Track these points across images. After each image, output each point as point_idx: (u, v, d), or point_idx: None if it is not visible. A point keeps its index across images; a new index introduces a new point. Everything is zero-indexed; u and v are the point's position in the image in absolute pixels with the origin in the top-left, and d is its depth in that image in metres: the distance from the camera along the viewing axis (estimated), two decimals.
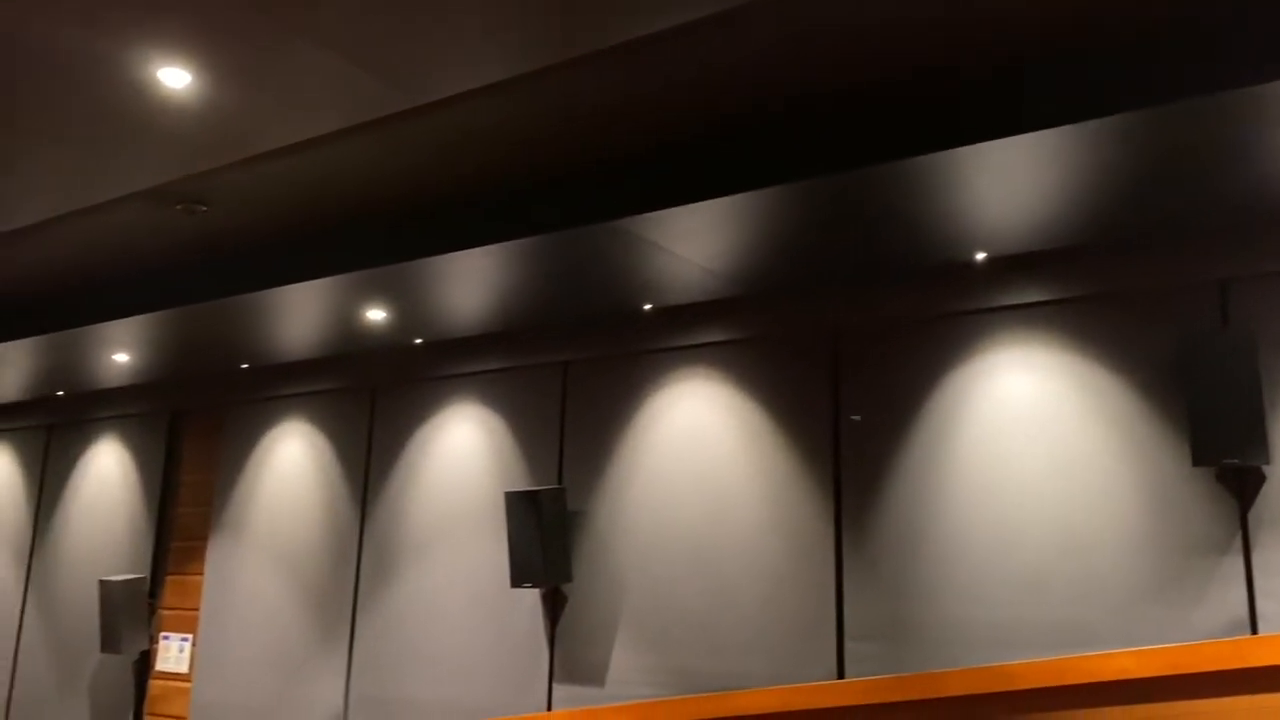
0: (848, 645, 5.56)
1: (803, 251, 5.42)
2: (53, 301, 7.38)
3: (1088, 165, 4.19)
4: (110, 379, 8.82)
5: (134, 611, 8.37)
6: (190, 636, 8.34)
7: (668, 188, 4.75)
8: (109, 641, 8.33)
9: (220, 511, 8.40)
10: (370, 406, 7.84)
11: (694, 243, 5.18)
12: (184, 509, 8.75)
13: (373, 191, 5.54)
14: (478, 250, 5.45)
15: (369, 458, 7.76)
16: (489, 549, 6.85)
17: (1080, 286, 5.24)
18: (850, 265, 5.61)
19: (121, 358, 8.05)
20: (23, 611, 9.43)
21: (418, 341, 7.39)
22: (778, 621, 5.79)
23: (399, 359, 7.57)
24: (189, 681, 8.23)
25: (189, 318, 6.89)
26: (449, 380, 7.41)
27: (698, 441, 6.29)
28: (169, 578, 8.67)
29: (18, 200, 5.41)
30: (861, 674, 5.45)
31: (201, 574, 8.41)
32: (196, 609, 8.37)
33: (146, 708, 8.45)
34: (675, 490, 6.29)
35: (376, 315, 6.74)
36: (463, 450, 7.26)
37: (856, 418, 5.76)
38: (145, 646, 8.46)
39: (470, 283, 6.13)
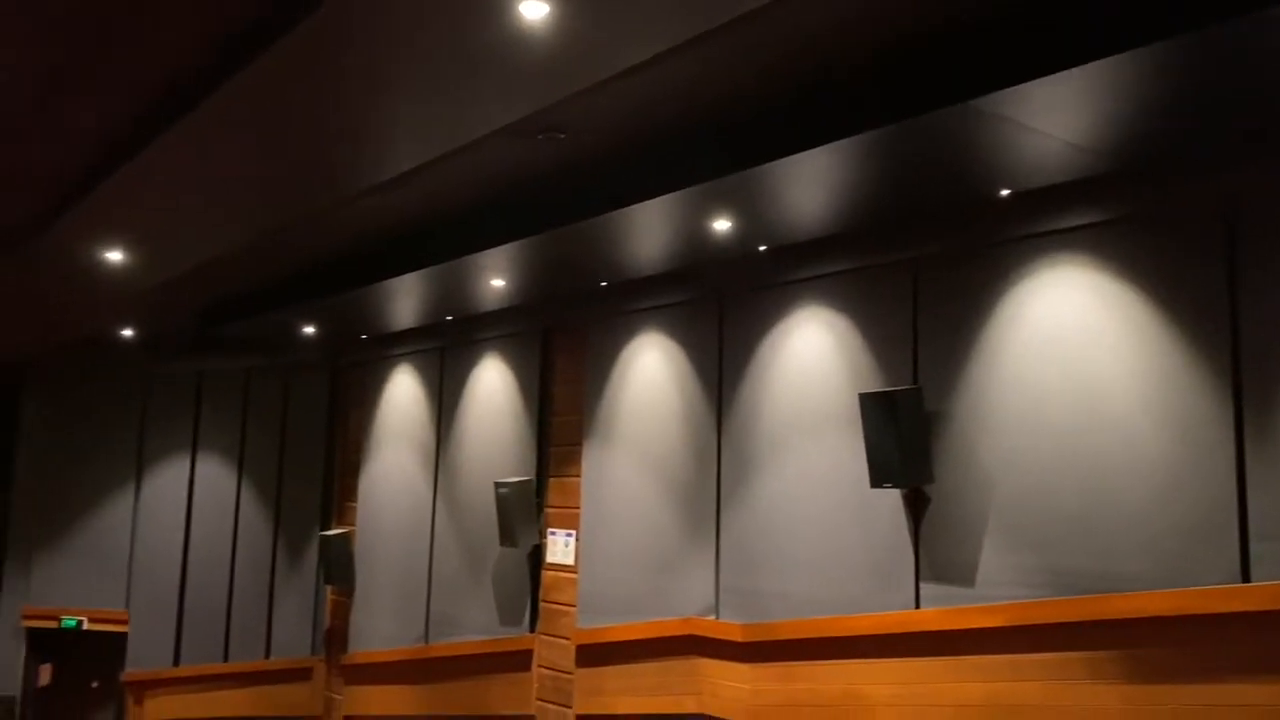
0: (1253, 547, 5.05)
1: (1194, 114, 4.82)
2: (437, 236, 8.19)
3: None
4: (490, 302, 9.71)
5: (525, 510, 9.31)
6: (573, 533, 9.14)
7: (1027, 58, 4.39)
8: (506, 536, 9.35)
9: (591, 419, 9.06)
10: (719, 315, 8.05)
11: (1059, 117, 4.78)
12: (560, 417, 9.54)
13: (713, 102, 5.61)
14: (820, 150, 5.37)
15: (721, 364, 8.01)
16: (845, 450, 6.87)
17: None
18: (1254, 124, 4.92)
19: (498, 282, 8.83)
20: (434, 510, 10.77)
21: (762, 248, 7.46)
22: (1166, 521, 5.36)
23: (745, 267, 7.69)
24: (575, 573, 9.05)
25: (553, 241, 7.41)
26: (795, 285, 7.43)
27: (1067, 334, 5.88)
28: (551, 479, 9.52)
29: (393, 150, 6.03)
30: (1270, 578, 4.94)
31: (579, 476, 9.15)
32: (577, 508, 9.14)
33: (542, 595, 9.42)
34: (1044, 386, 5.95)
35: (722, 225, 6.87)
36: (812, 354, 7.29)
37: None
38: (536, 541, 9.40)
39: (813, 184, 6.07)
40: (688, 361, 8.27)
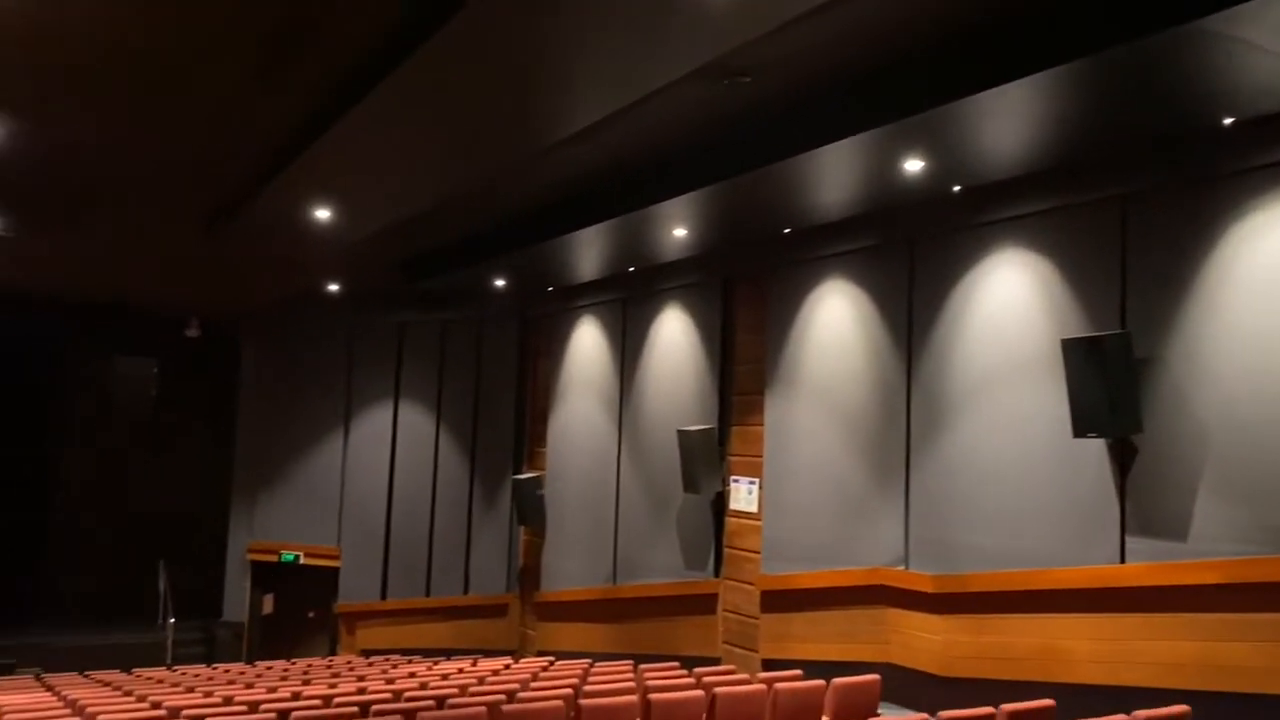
0: None
1: None
2: (621, 188, 8.30)
3: None
4: (671, 253, 9.78)
5: (708, 457, 9.41)
6: (756, 480, 9.19)
7: None
8: (689, 483, 9.49)
9: (773, 368, 9.03)
10: (909, 259, 7.84)
11: None
12: (741, 366, 9.56)
13: (906, 36, 5.42)
14: (1023, 82, 5.12)
15: (910, 310, 7.81)
16: (1045, 398, 6.60)
17: None
18: None
19: (680, 232, 8.87)
20: (618, 456, 11.04)
21: (956, 189, 7.19)
22: None
23: (937, 209, 7.44)
24: (759, 520, 9.11)
25: (737, 189, 7.39)
26: (991, 226, 7.14)
27: None
28: (734, 428, 9.58)
29: (583, 100, 6.10)
30: None
31: (761, 424, 9.17)
32: (759, 456, 9.17)
33: (726, 541, 9.54)
34: (1267, 332, 5.52)
35: (913, 166, 6.66)
36: (1010, 298, 7.00)
37: None
38: (719, 488, 9.50)
39: (1014, 119, 5.80)
40: (875, 308, 8.10)
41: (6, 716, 6.73)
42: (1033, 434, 6.73)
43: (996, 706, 5.22)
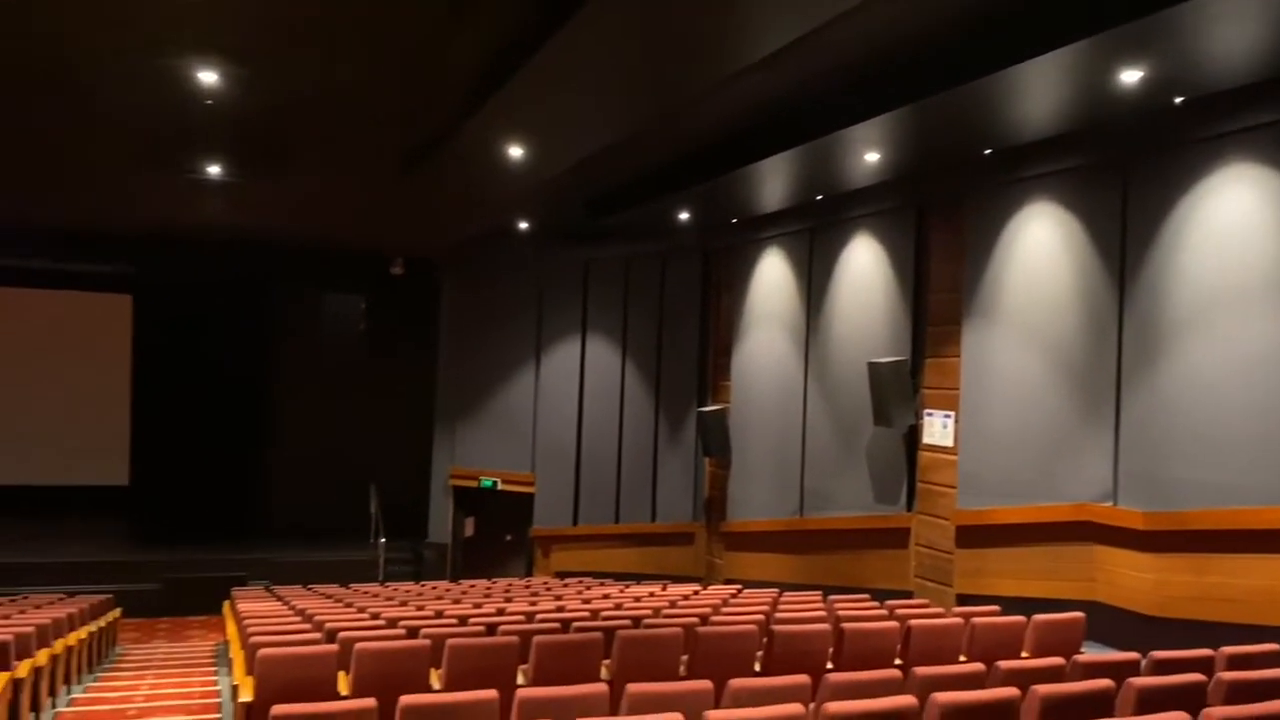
0: None
1: None
2: (808, 114, 8.11)
3: None
4: (861, 179, 9.52)
5: (900, 390, 9.21)
6: (952, 413, 8.93)
7: None
8: (880, 416, 9.32)
9: (971, 296, 8.70)
10: (1122, 179, 7.35)
11: None
12: (936, 295, 9.25)
13: None
14: None
15: (1124, 233, 7.34)
16: (1275, 325, 6.09)
17: None
18: None
19: (872, 157, 8.61)
20: (805, 388, 10.95)
21: (1178, 100, 6.65)
22: None
23: (1155, 123, 6.91)
24: (954, 454, 8.87)
25: (933, 110, 7.08)
26: (1219, 140, 6.59)
27: None
28: (927, 360, 9.32)
29: (775, 22, 5.94)
30: None
31: (958, 356, 8.87)
32: (955, 388, 8.89)
33: (919, 475, 9.35)
34: None
35: (1131, 77, 6.20)
36: (1238, 218, 6.46)
37: None
38: (912, 421, 9.29)
39: (1252, 21, 5.28)
40: (1083, 231, 7.65)
41: (247, 619, 7.41)
42: (1261, 363, 6.23)
43: (1215, 649, 4.95)
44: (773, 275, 11.59)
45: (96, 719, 6.85)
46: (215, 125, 8.60)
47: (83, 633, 8.57)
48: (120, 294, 15.47)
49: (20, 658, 6.49)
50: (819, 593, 8.65)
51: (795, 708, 4.03)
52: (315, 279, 15.52)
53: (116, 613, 10.88)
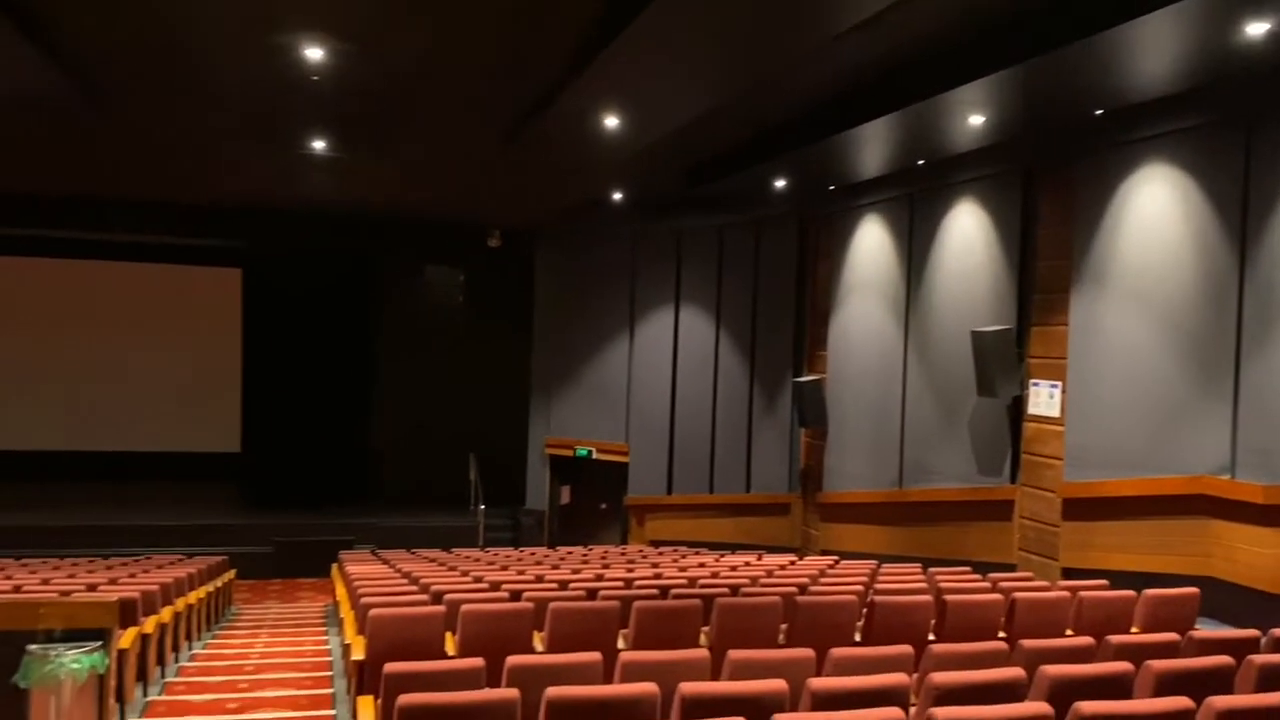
0: None
1: None
2: (910, 76, 7.91)
3: None
4: (965, 143, 9.27)
5: (1004, 359, 8.98)
6: (1059, 383, 8.69)
7: None
8: (984, 386, 9.12)
9: (1080, 263, 8.42)
10: (1245, 138, 7.00)
11: None
12: (1043, 262, 8.98)
13: None
14: None
15: (1245, 194, 7.00)
16: None
17: None
18: None
19: (976, 119, 8.37)
20: (905, 358, 10.77)
21: None
22: None
23: None
24: (1060, 425, 8.63)
25: (1046, 67, 6.84)
26: None
27: None
28: (1033, 328, 9.06)
29: None
30: None
31: (1065, 324, 8.61)
32: (1063, 357, 8.64)
33: (1023, 447, 9.13)
34: None
35: (1257, 30, 5.89)
36: None
37: None
38: (1017, 392, 9.06)
39: None
40: (1202, 193, 7.33)
41: (356, 581, 7.66)
42: None
43: None
44: (871, 243, 11.40)
45: (216, 674, 7.18)
46: (321, 101, 8.81)
47: (201, 592, 8.98)
48: (231, 268, 16.04)
49: (146, 614, 6.85)
50: (918, 565, 8.54)
51: (899, 677, 4.00)
52: (417, 251, 15.82)
53: (231, 574, 11.36)
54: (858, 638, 5.99)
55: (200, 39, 7.36)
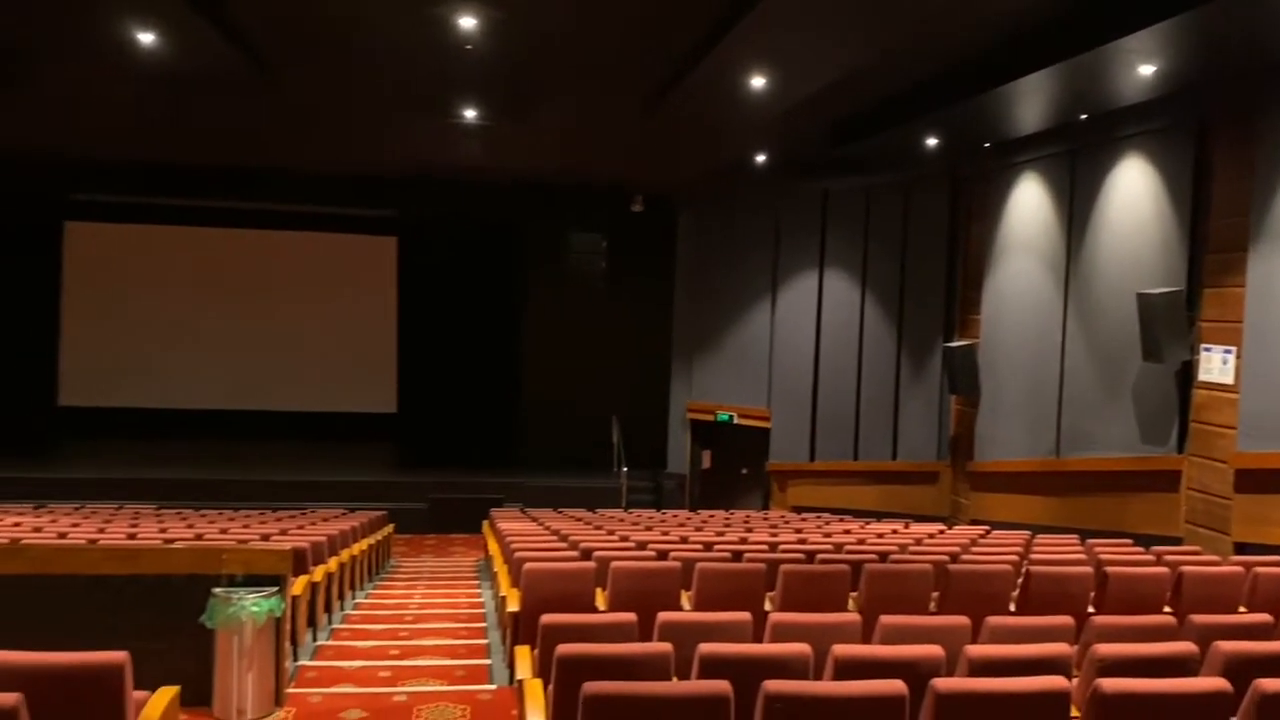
0: None
1: None
2: (1075, 25, 7.51)
3: None
4: (1131, 94, 8.76)
5: (1173, 323, 8.50)
6: (1233, 348, 8.17)
7: None
8: (1150, 350, 8.67)
9: (1260, 220, 7.87)
10: None
11: None
12: (1217, 220, 8.43)
13: None
14: None
15: None
16: None
17: None
18: None
19: (1147, 70, 7.89)
20: (1064, 321, 10.32)
21: None
22: None
23: None
24: (1234, 393, 8.13)
25: (1223, 12, 6.40)
26: None
27: None
28: (1206, 290, 8.54)
29: None
30: None
31: (1242, 285, 8.07)
32: (1238, 321, 8.12)
33: (1192, 415, 8.65)
34: None
35: None
36: None
37: None
38: (1186, 357, 8.58)
39: None
40: None
41: (509, 537, 7.91)
42: None
43: None
44: (1029, 202, 10.93)
45: (378, 622, 7.56)
46: (473, 70, 9.01)
47: (364, 544, 9.44)
48: (386, 236, 16.66)
49: (315, 564, 7.25)
50: (1075, 536, 8.23)
51: (1061, 647, 3.89)
52: (560, 217, 16.05)
53: (390, 528, 11.90)
54: (1012, 608, 5.84)
55: (360, 10, 7.62)
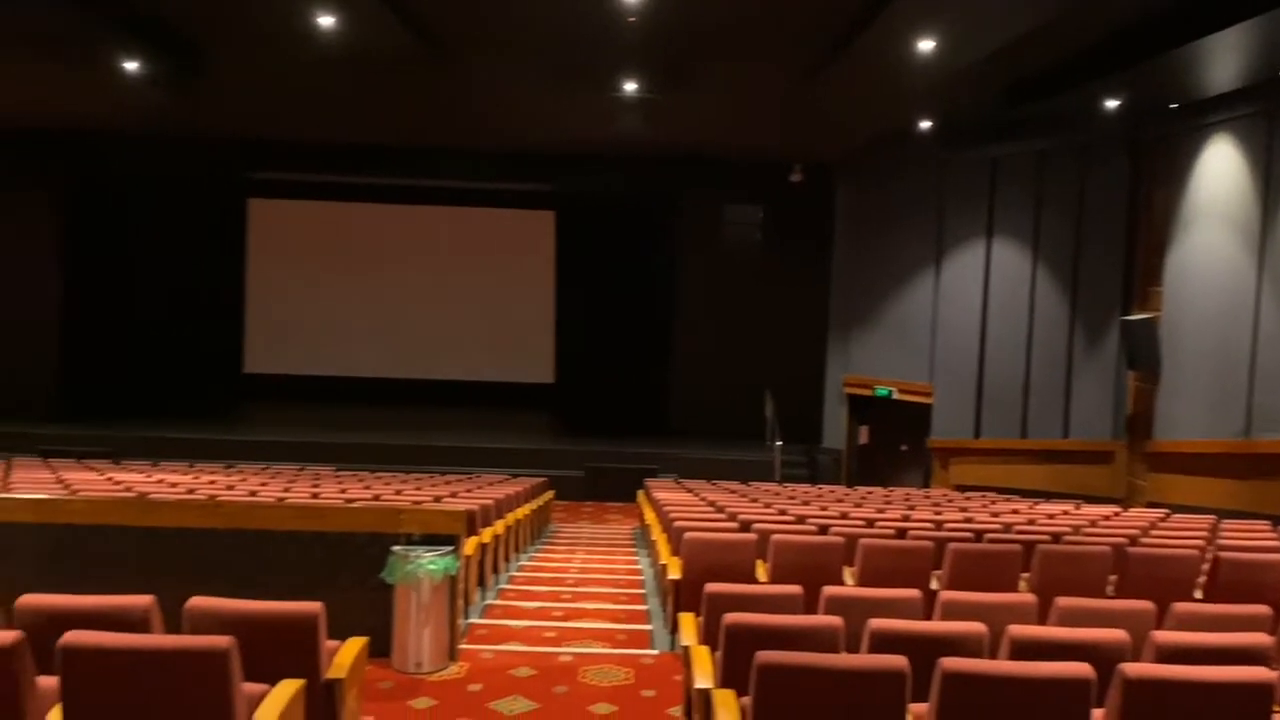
0: None
1: None
2: None
3: None
4: None
5: None
6: None
7: None
8: None
9: None
10: None
11: None
12: None
13: None
14: None
15: None
16: None
17: None
18: None
19: None
20: (1258, 295, 9.63)
21: None
22: None
23: None
24: None
25: None
26: None
27: None
28: None
29: None
30: None
31: None
32: None
33: None
34: None
35: None
36: None
37: None
38: None
39: None
40: None
41: (667, 507, 8.00)
42: None
43: None
44: (1219, 166, 10.22)
45: (541, 584, 7.77)
46: (634, 44, 9.05)
47: (527, 509, 9.71)
48: (544, 210, 16.99)
49: (483, 526, 7.51)
50: (1266, 522, 7.71)
51: (1259, 637, 3.66)
52: (717, 191, 15.99)
53: (551, 494, 12.20)
54: (1198, 595, 5.53)
55: None
